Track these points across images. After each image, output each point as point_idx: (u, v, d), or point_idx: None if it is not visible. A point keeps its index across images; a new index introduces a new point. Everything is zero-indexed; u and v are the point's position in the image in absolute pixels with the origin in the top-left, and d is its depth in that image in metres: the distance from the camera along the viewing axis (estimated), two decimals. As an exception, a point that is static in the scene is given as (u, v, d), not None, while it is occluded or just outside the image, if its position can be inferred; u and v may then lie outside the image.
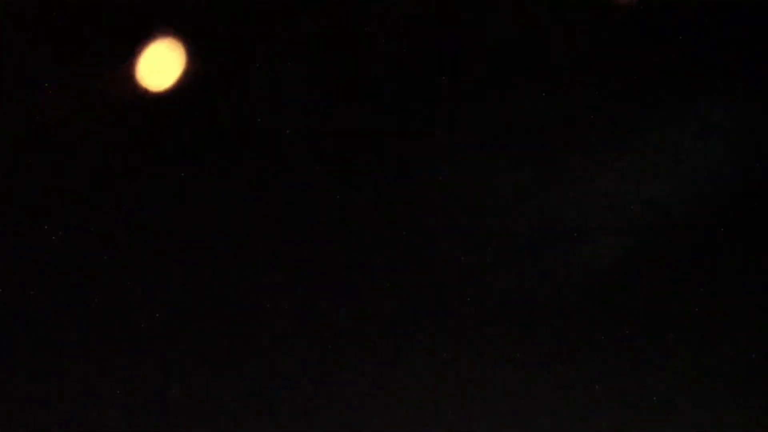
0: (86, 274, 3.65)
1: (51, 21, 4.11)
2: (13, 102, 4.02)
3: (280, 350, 3.50)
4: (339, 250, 3.74)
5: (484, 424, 3.39)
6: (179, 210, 3.82)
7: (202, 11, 4.14)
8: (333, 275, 3.67)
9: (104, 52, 4.15)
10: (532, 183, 3.92)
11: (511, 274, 3.70)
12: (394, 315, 3.59)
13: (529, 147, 4.02)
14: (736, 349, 3.54)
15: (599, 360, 3.50)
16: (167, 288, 3.63)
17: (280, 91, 4.06)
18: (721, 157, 4.00)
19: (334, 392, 3.43)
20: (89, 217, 3.79)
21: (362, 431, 3.38)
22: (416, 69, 4.15)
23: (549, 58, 4.19)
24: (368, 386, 3.45)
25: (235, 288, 3.64)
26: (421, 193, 3.89)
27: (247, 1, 4.16)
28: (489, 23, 4.16)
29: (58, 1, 4.13)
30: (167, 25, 4.12)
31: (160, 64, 4.11)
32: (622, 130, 4.06)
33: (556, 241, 3.78)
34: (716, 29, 4.09)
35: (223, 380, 3.44)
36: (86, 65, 4.12)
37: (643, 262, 3.73)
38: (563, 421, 3.39)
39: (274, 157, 3.95)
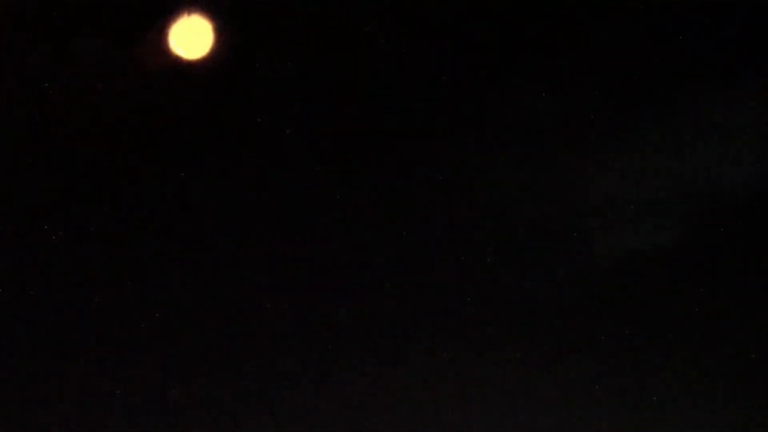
0: (86, 274, 3.65)
1: (51, 22, 4.11)
2: (14, 102, 4.02)
3: (280, 350, 3.51)
4: (339, 250, 3.74)
5: (484, 424, 3.39)
6: (179, 210, 3.82)
7: (202, 11, 4.14)
8: (333, 275, 3.67)
9: (104, 53, 4.15)
10: (532, 183, 3.92)
11: (511, 274, 3.70)
12: (394, 315, 3.59)
13: (529, 147, 4.02)
14: (736, 349, 3.54)
15: (599, 360, 3.50)
16: (167, 288, 3.63)
17: (280, 91, 4.06)
18: (721, 158, 4.00)
19: (334, 392, 3.43)
20: (89, 217, 3.79)
21: (362, 431, 3.38)
22: (416, 69, 4.15)
23: (549, 58, 4.19)
24: (368, 386, 3.45)
25: (235, 288, 3.64)
26: (421, 193, 3.89)
27: (247, 1, 4.16)
28: (489, 23, 4.16)
29: (57, 2, 4.13)
30: (167, 25, 4.12)
31: (161, 66, 4.11)
32: (622, 130, 4.06)
33: (556, 241, 3.78)
34: (716, 29, 4.10)
35: (223, 380, 3.45)
36: (86, 66, 4.12)
37: (643, 263, 3.73)
38: (563, 421, 3.39)
39: (274, 157, 3.95)
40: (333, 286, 3.65)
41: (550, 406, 3.42)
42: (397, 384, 3.45)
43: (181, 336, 3.52)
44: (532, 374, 3.48)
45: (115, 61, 4.10)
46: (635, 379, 3.47)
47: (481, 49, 4.15)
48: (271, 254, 3.72)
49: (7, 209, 3.80)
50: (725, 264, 3.74)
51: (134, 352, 3.48)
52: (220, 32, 4.09)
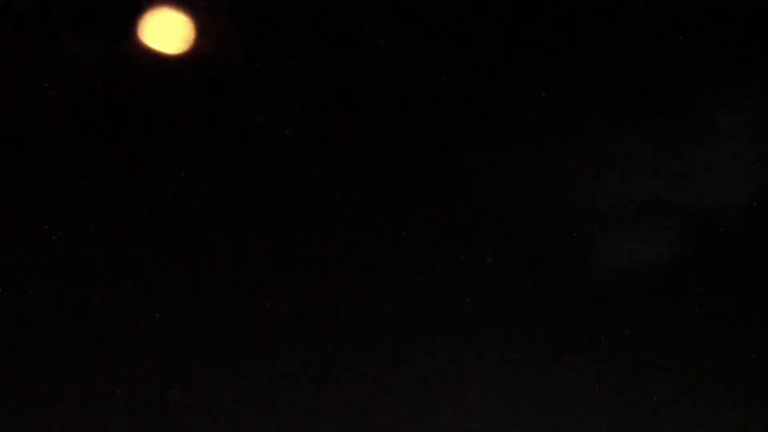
0: (86, 274, 3.65)
1: (51, 21, 4.11)
2: (13, 102, 4.02)
3: (280, 350, 3.50)
4: (339, 250, 3.74)
5: (484, 424, 3.39)
6: (179, 210, 3.82)
7: (203, 12, 4.14)
8: (333, 275, 3.67)
9: (104, 53, 4.15)
10: (532, 183, 3.92)
11: (511, 274, 3.69)
12: (394, 315, 3.59)
13: (530, 147, 4.02)
14: (736, 349, 3.54)
15: (599, 360, 3.50)
16: (167, 288, 3.63)
17: (280, 91, 4.06)
18: (722, 159, 4.00)
19: (334, 392, 3.43)
20: (89, 217, 3.79)
21: (362, 431, 3.38)
22: (416, 69, 4.15)
23: (549, 58, 4.19)
24: (368, 386, 3.45)
25: (235, 288, 3.64)
26: (421, 193, 3.88)
27: (247, 1, 4.16)
28: (489, 23, 4.16)
29: (57, 2, 4.13)
30: (167, 25, 4.12)
31: (161, 65, 4.11)
32: (621, 131, 4.06)
33: (556, 241, 3.78)
34: (715, 29, 4.10)
35: (223, 380, 3.44)
36: (86, 66, 4.11)
37: (643, 263, 3.73)
38: (563, 421, 3.39)
39: (274, 157, 3.95)
40: (333, 286, 3.65)
41: (550, 406, 3.42)
42: (397, 384, 3.45)
43: (181, 336, 3.52)
44: (532, 374, 3.48)
45: (115, 60, 4.09)
46: (635, 379, 3.47)
47: (481, 49, 4.15)
48: (271, 254, 3.72)
49: (7, 209, 3.80)
50: (725, 264, 3.74)
51: (134, 352, 3.48)
52: (220, 32, 4.09)
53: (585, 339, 3.57)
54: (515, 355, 3.52)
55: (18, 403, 3.37)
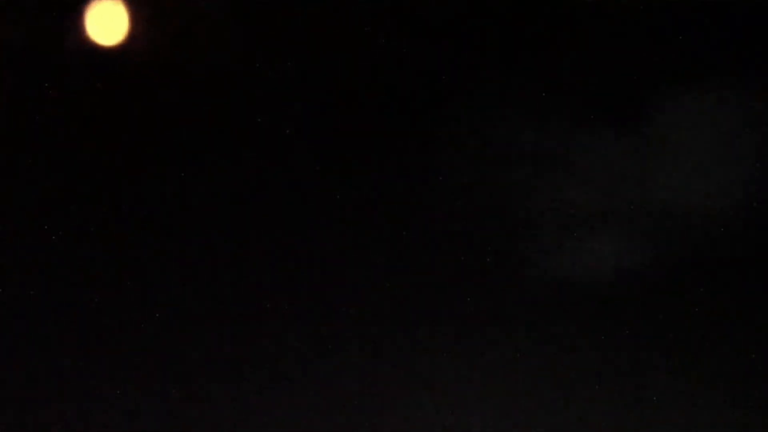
0: (86, 274, 3.65)
1: (51, 21, 4.11)
2: (13, 102, 4.02)
3: (280, 350, 3.51)
4: (339, 250, 3.74)
5: (484, 423, 3.39)
6: (179, 210, 3.82)
7: (203, 12, 4.14)
8: (333, 275, 3.67)
9: (105, 54, 4.15)
10: (532, 183, 3.92)
11: (511, 274, 3.70)
12: (394, 315, 3.59)
13: (529, 147, 4.02)
14: (736, 349, 3.54)
15: (599, 360, 3.50)
16: (167, 288, 3.63)
17: (280, 91, 4.06)
18: (722, 159, 4.00)
19: (334, 392, 3.43)
20: (89, 217, 3.79)
21: (363, 431, 3.38)
22: (416, 69, 4.15)
23: (549, 58, 4.19)
24: (368, 386, 3.45)
25: (235, 288, 3.64)
26: (421, 193, 3.88)
27: (247, 1, 4.16)
28: (489, 23, 4.16)
29: (58, 2, 4.13)
30: (167, 25, 4.12)
31: (161, 65, 4.11)
32: (622, 130, 4.06)
33: (556, 241, 3.79)
34: (716, 28, 4.10)
35: (223, 380, 3.44)
36: (86, 66, 4.11)
37: (643, 263, 3.73)
38: (563, 421, 3.39)
39: (274, 157, 3.95)
40: (333, 286, 3.65)
41: (550, 406, 3.42)
42: (397, 384, 3.46)
43: (181, 336, 3.52)
44: (531, 374, 3.48)
45: (115, 60, 4.10)
46: (635, 379, 3.47)
47: (481, 49, 4.15)
48: (271, 254, 3.72)
49: (7, 209, 3.80)
50: (726, 264, 3.74)
51: (134, 352, 3.48)
52: (220, 32, 4.09)
53: (585, 339, 3.57)
54: (515, 355, 3.52)
55: (18, 403, 3.38)
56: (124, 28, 4.11)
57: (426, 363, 3.49)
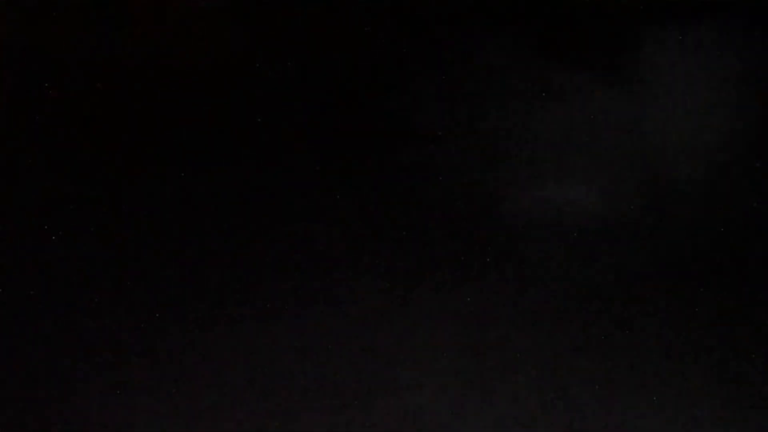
0: (86, 274, 3.65)
1: (51, 21, 4.11)
2: (13, 102, 4.02)
3: (280, 350, 3.51)
4: (339, 250, 3.74)
5: (484, 423, 3.39)
6: (179, 210, 3.82)
7: (203, 11, 4.14)
8: (333, 275, 3.68)
9: (105, 54, 4.15)
10: (532, 183, 3.92)
11: (511, 273, 3.70)
12: (394, 315, 3.59)
13: (529, 147, 4.02)
14: (736, 349, 3.54)
15: (599, 360, 3.50)
16: (167, 288, 3.63)
17: (280, 91, 4.06)
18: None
19: (334, 392, 3.43)
20: (89, 217, 3.79)
21: (362, 430, 3.38)
22: (416, 69, 4.15)
23: (550, 59, 4.19)
24: (368, 386, 3.46)
25: (235, 288, 3.64)
26: (422, 193, 3.89)
27: (247, 1, 4.16)
28: (489, 23, 4.17)
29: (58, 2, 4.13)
30: (168, 25, 4.12)
31: (161, 65, 4.11)
32: (621, 131, 4.06)
33: (555, 241, 3.79)
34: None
35: (224, 380, 3.45)
36: (86, 66, 4.12)
37: (643, 264, 3.73)
38: (563, 420, 3.40)
39: (274, 157, 3.95)
40: (333, 286, 3.65)
41: (549, 406, 3.42)
42: (397, 384, 3.46)
43: (181, 336, 3.52)
44: (531, 374, 3.48)
45: (115, 60, 4.10)
46: (634, 379, 3.48)
47: (481, 48, 4.16)
48: (271, 254, 3.72)
49: (7, 209, 3.80)
50: (725, 264, 3.75)
51: (134, 352, 3.48)
52: (220, 32, 4.09)
53: (585, 339, 3.57)
54: (515, 355, 3.53)
55: (18, 403, 3.38)
56: (124, 27, 4.11)
57: (426, 362, 3.49)
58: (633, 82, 4.07)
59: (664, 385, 3.45)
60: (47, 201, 3.82)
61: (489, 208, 3.85)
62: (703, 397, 3.42)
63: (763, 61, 4.08)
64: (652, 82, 4.08)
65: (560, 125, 4.04)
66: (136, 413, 3.37)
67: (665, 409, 3.41)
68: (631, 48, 4.09)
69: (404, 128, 4.03)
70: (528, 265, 3.71)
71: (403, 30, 4.14)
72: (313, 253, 3.72)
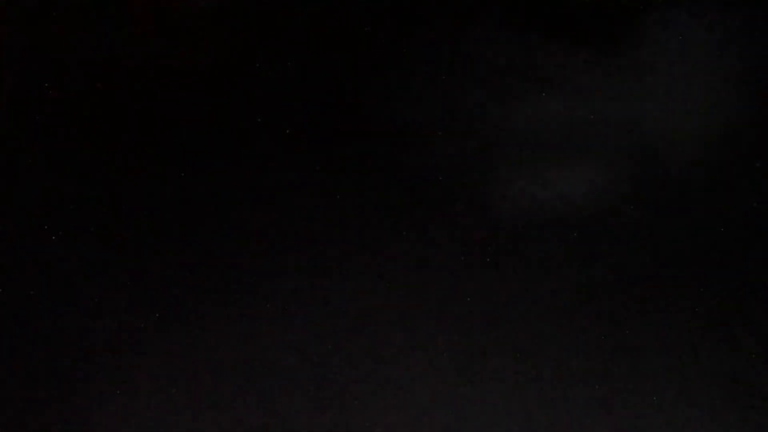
0: (86, 274, 3.65)
1: (51, 21, 4.11)
2: (13, 102, 4.02)
3: (279, 350, 3.51)
4: (339, 250, 3.74)
5: (484, 423, 3.39)
6: (179, 210, 3.82)
7: (203, 11, 4.14)
8: (333, 275, 3.68)
9: (105, 54, 4.15)
10: (531, 183, 3.92)
11: (511, 273, 3.70)
12: (394, 315, 3.59)
13: (529, 147, 4.02)
14: (736, 349, 3.54)
15: (599, 360, 3.50)
16: (167, 288, 3.63)
17: (280, 91, 4.06)
18: (722, 160, 4.00)
19: (334, 392, 3.43)
20: (89, 217, 3.79)
21: (362, 430, 3.38)
22: (416, 69, 4.15)
23: (551, 59, 4.19)
24: (368, 386, 3.46)
25: (235, 288, 3.64)
26: (422, 193, 3.89)
27: (247, 1, 4.16)
28: (489, 23, 4.17)
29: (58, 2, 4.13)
30: (168, 25, 4.12)
31: (161, 65, 4.11)
32: (621, 130, 4.06)
33: (555, 241, 3.79)
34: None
35: (224, 380, 3.45)
36: (86, 66, 4.12)
37: (643, 263, 3.73)
38: (563, 420, 3.40)
39: (274, 157, 3.95)
40: (333, 286, 3.65)
41: (549, 406, 3.42)
42: (396, 384, 3.46)
43: (181, 336, 3.52)
44: (531, 374, 3.48)
45: (115, 60, 4.10)
46: (634, 379, 3.48)
47: (480, 48, 4.15)
48: (271, 254, 3.72)
49: (7, 209, 3.80)
50: (725, 263, 3.75)
51: (134, 352, 3.48)
52: (220, 32, 4.09)
53: (585, 339, 3.57)
54: (515, 355, 3.53)
55: (18, 403, 3.38)
56: (124, 27, 4.11)
57: (426, 362, 3.49)
58: (633, 81, 4.07)
59: (664, 385, 3.45)
60: (47, 201, 3.82)
61: (489, 208, 3.85)
62: (703, 397, 3.42)
63: (763, 60, 4.08)
64: (653, 81, 4.08)
65: (561, 124, 4.04)
66: (136, 413, 3.37)
67: (665, 409, 3.41)
68: (631, 46, 4.09)
69: (404, 128, 4.03)
70: (528, 265, 3.71)
71: (403, 30, 4.14)
72: (313, 253, 3.72)
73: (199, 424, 3.37)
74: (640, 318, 3.59)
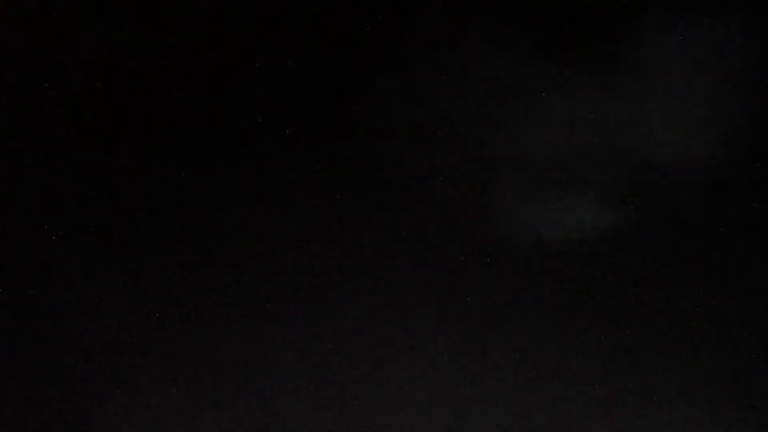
0: (86, 274, 3.65)
1: (51, 21, 4.11)
2: (13, 102, 4.02)
3: (279, 350, 3.51)
4: (339, 250, 3.74)
5: (484, 423, 3.39)
6: (179, 210, 3.82)
7: (203, 11, 4.14)
8: (333, 275, 3.67)
9: (105, 55, 4.15)
10: (532, 183, 3.92)
11: (511, 273, 3.70)
12: (394, 315, 3.59)
13: (529, 147, 4.02)
14: (736, 349, 3.54)
15: (599, 360, 3.50)
16: (167, 288, 3.63)
17: (280, 91, 4.06)
18: (722, 160, 4.00)
19: (334, 392, 3.43)
20: (89, 217, 3.79)
21: (362, 430, 3.38)
22: (416, 69, 4.15)
23: (552, 58, 4.19)
24: (368, 386, 3.45)
25: (235, 288, 3.64)
26: (422, 193, 3.89)
27: (247, 1, 4.16)
28: (489, 23, 4.16)
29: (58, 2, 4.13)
30: (168, 25, 4.12)
31: (161, 65, 4.11)
32: (620, 131, 4.06)
33: (555, 241, 3.79)
34: None
35: (224, 380, 3.45)
36: (86, 66, 4.12)
37: (643, 264, 3.73)
38: (563, 420, 3.39)
39: (274, 157, 3.95)
40: (333, 286, 3.65)
41: (549, 406, 3.42)
42: (396, 383, 3.46)
43: (181, 336, 3.52)
44: (531, 374, 3.48)
45: (115, 60, 4.10)
46: (635, 379, 3.47)
47: (481, 49, 4.15)
48: (271, 254, 3.72)
49: (7, 209, 3.80)
50: (725, 265, 3.74)
51: (134, 352, 3.48)
52: (220, 32, 4.09)
53: (584, 339, 3.57)
54: (515, 355, 3.52)
55: (18, 403, 3.38)
56: (124, 27, 4.11)
57: (426, 363, 3.49)
58: (632, 82, 4.07)
59: (664, 385, 3.44)
60: (47, 201, 3.82)
61: (488, 208, 3.85)
62: (703, 397, 3.42)
63: (763, 60, 4.08)
64: (652, 82, 4.08)
65: (560, 126, 4.03)
66: (136, 413, 3.37)
67: (665, 409, 3.41)
68: (630, 48, 4.09)
69: (404, 128, 4.03)
70: (528, 265, 3.71)
71: (403, 29, 4.14)
72: (313, 253, 3.72)
73: (199, 424, 3.37)
74: (640, 318, 3.58)
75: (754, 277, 3.68)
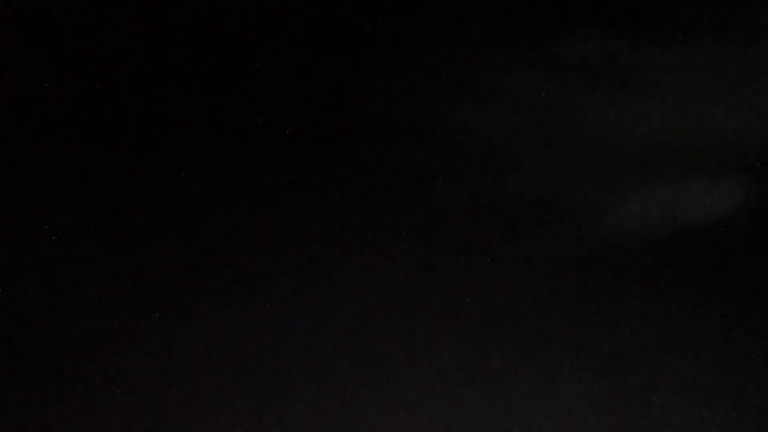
0: (86, 274, 3.65)
1: (51, 21, 4.11)
2: (13, 102, 4.02)
3: (280, 350, 3.51)
4: (339, 250, 3.74)
5: (484, 423, 3.39)
6: (179, 210, 3.82)
7: (203, 12, 4.14)
8: (333, 275, 3.67)
9: (106, 56, 4.15)
10: (530, 182, 3.92)
11: (511, 273, 3.70)
12: (394, 315, 3.59)
13: (529, 147, 4.02)
14: (736, 349, 3.54)
15: (599, 360, 3.50)
16: (167, 288, 3.63)
17: (280, 91, 4.06)
18: (722, 160, 4.00)
19: (334, 392, 3.43)
20: (89, 217, 3.79)
21: (362, 430, 3.38)
22: (416, 69, 4.15)
23: (551, 58, 4.19)
24: (368, 386, 3.45)
25: (235, 288, 3.64)
26: (422, 192, 3.88)
27: (247, 1, 4.16)
28: (489, 23, 4.16)
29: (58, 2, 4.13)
30: (168, 25, 4.12)
31: (161, 65, 4.11)
32: (620, 131, 4.06)
33: (556, 241, 3.79)
34: None
35: (223, 380, 3.45)
36: (86, 66, 4.12)
37: (643, 264, 3.73)
38: (564, 420, 3.39)
39: (274, 157, 3.95)
40: (333, 286, 3.65)
41: (549, 406, 3.42)
42: (397, 384, 3.46)
43: (181, 336, 3.52)
44: (531, 374, 3.48)
45: (115, 60, 4.10)
46: (635, 378, 3.47)
47: (480, 48, 4.15)
48: (272, 254, 3.72)
49: (7, 209, 3.80)
50: (725, 267, 3.74)
51: (134, 352, 3.48)
52: (220, 32, 4.09)
53: (584, 339, 3.57)
54: (515, 355, 3.52)
55: (18, 403, 3.38)
56: (124, 27, 4.11)
57: (426, 363, 3.49)
58: (632, 81, 4.07)
59: (664, 385, 3.44)
60: (47, 201, 3.81)
61: (489, 208, 3.85)
62: (703, 397, 3.42)
63: (763, 60, 4.08)
64: (652, 82, 4.08)
65: (560, 125, 4.03)
66: (136, 413, 3.37)
67: (665, 409, 3.40)
68: (630, 48, 4.09)
69: (404, 128, 4.03)
70: (528, 265, 3.71)
71: (403, 29, 4.14)
72: (313, 253, 3.72)
73: (199, 424, 3.37)
74: (640, 318, 3.58)
75: (754, 277, 3.68)
